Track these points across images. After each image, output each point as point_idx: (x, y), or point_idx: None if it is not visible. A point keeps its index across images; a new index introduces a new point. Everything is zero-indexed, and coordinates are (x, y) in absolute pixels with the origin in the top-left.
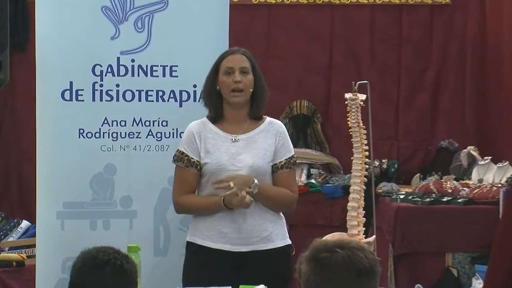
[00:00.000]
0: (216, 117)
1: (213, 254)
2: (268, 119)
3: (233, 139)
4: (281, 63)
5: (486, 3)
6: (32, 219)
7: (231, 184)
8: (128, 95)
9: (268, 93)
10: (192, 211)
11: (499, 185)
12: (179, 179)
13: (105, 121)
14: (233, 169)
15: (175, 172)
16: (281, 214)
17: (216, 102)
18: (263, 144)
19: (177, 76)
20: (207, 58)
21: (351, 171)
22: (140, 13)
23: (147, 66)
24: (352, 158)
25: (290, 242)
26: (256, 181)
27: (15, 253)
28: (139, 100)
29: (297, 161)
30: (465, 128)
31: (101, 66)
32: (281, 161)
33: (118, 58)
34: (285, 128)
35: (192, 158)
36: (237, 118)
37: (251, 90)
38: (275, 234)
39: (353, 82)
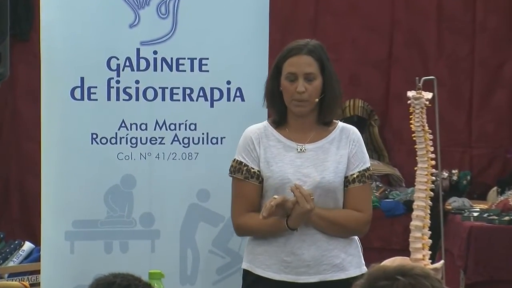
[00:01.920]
0: (280, 121)
1: (275, 287)
2: (340, 124)
3: (299, 149)
4: (331, 55)
5: None
6: (36, 240)
7: (285, 198)
8: (150, 94)
9: (341, 96)
10: (254, 234)
11: None
12: (238, 194)
13: (123, 124)
14: (299, 184)
15: (233, 187)
16: (356, 237)
17: (280, 104)
18: (335, 156)
19: (207, 71)
20: (243, 50)
21: (415, 183)
22: None
23: (172, 59)
24: (415, 168)
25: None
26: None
27: (16, 281)
28: (163, 99)
29: None
30: None
31: (117, 59)
32: (353, 174)
33: (138, 50)
34: (360, 135)
35: (253, 168)
36: (303, 125)
37: (317, 99)
38: (348, 261)
39: (417, 77)
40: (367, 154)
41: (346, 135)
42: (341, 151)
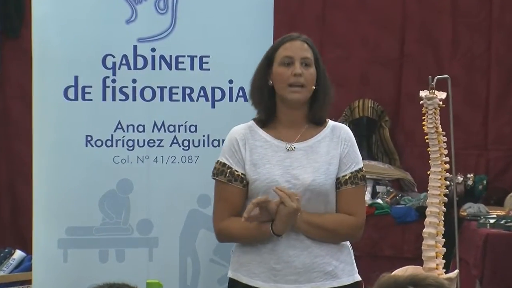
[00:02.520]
0: (267, 120)
1: None
2: (331, 123)
3: (288, 148)
4: (340, 53)
5: None
6: (27, 248)
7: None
8: (148, 93)
9: (333, 92)
10: (236, 239)
11: None
12: (220, 197)
13: (119, 126)
14: (288, 187)
15: (215, 190)
16: (348, 243)
17: (268, 101)
18: (325, 156)
19: (208, 69)
20: (247, 47)
21: (428, 188)
22: None
23: (171, 56)
24: (428, 172)
25: (359, 279)
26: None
27: None
28: (161, 99)
29: None
30: None
31: (113, 57)
32: (345, 175)
33: (135, 47)
34: (351, 134)
35: (236, 171)
36: (294, 121)
37: (314, 87)
38: (340, 269)
39: (430, 76)
40: (360, 154)
41: (337, 134)
42: (332, 151)
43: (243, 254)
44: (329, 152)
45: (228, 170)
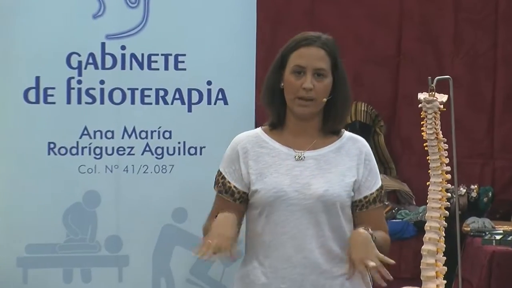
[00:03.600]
0: (277, 124)
1: None
2: (346, 134)
3: (297, 157)
4: None
5: None
6: None
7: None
8: (117, 96)
9: (351, 100)
10: None
11: None
12: (214, 207)
13: (85, 132)
14: (297, 197)
15: (215, 198)
16: None
17: (279, 104)
18: (340, 167)
19: (184, 69)
20: (227, 45)
21: (427, 201)
22: None
23: (143, 55)
24: (428, 183)
25: None
26: (371, 263)
27: None
28: (132, 102)
29: None
30: None
31: (79, 56)
32: (372, 193)
33: (103, 44)
34: (370, 148)
35: (229, 183)
36: (304, 130)
37: (325, 99)
38: None
39: (430, 77)
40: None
41: (355, 146)
42: (348, 163)
43: (245, 274)
44: (344, 164)
45: (222, 181)
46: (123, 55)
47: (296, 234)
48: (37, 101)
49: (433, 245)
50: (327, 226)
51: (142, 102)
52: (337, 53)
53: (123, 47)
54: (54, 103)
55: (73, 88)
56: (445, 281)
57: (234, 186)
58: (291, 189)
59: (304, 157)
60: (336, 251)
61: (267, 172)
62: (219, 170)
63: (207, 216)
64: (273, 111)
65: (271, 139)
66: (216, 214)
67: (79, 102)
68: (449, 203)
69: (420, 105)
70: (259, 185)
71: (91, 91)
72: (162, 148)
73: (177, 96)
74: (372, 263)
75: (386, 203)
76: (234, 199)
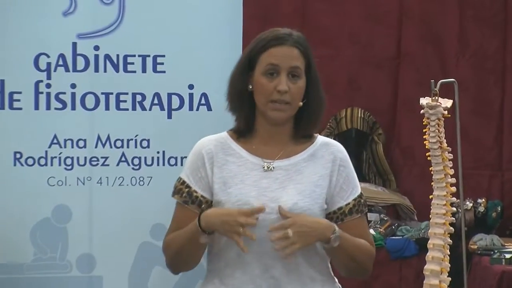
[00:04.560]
0: (245, 130)
1: None
2: (320, 138)
3: (266, 167)
4: (324, 52)
5: None
6: None
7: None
8: (90, 101)
9: (325, 104)
10: (178, 256)
11: None
12: (174, 218)
13: (55, 141)
14: (264, 212)
15: (174, 210)
16: (334, 277)
17: (247, 109)
18: (312, 177)
19: (164, 72)
20: (210, 46)
21: (430, 216)
22: None
23: (118, 56)
24: (431, 196)
25: None
26: (290, 232)
27: None
28: (106, 108)
29: None
30: None
31: (48, 57)
32: (348, 203)
33: (74, 44)
34: (346, 153)
35: (196, 191)
36: (275, 137)
37: (301, 103)
38: None
39: (432, 80)
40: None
41: (328, 152)
42: (320, 171)
43: None
44: (316, 172)
45: (186, 190)
46: (96, 56)
47: (262, 252)
48: (2, 107)
49: (436, 264)
50: (306, 244)
51: (118, 107)
52: (310, 52)
53: (96, 48)
54: (20, 108)
55: (42, 93)
56: None
57: (202, 196)
58: (258, 202)
59: (273, 167)
60: (305, 271)
61: (232, 182)
62: (180, 178)
63: (167, 233)
64: (240, 117)
65: (238, 147)
66: (178, 228)
67: (48, 107)
68: (454, 219)
69: (422, 111)
70: (222, 196)
71: (61, 96)
72: (140, 158)
73: (155, 101)
74: (290, 232)
75: (385, 218)
76: (202, 211)
